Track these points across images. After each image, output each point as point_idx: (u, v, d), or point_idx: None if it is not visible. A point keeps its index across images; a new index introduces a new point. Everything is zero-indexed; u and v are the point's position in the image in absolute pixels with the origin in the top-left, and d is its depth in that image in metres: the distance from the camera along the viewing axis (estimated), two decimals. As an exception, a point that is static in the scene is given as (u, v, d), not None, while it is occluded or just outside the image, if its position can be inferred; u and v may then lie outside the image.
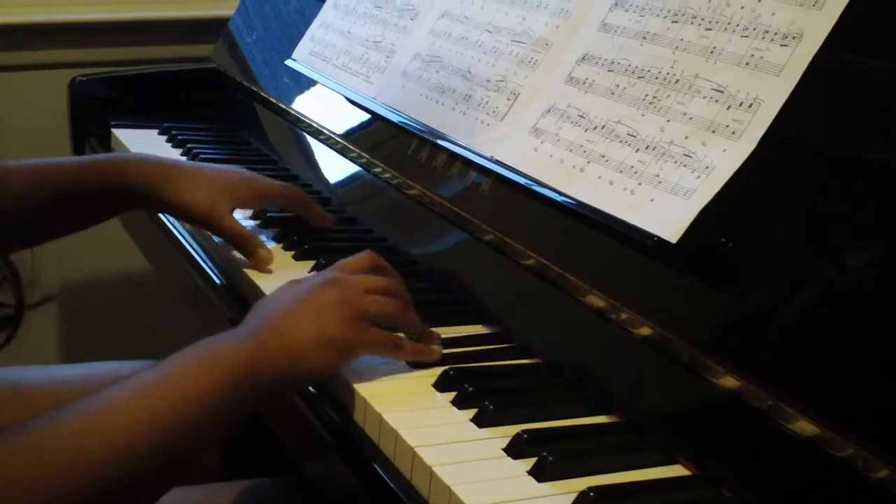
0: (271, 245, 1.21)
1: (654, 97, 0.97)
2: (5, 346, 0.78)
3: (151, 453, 0.76)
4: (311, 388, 0.93)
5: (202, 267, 1.24)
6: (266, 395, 0.86)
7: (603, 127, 1.00)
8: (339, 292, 0.90)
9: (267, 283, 1.11)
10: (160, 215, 1.35)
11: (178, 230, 1.32)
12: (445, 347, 0.97)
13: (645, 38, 1.01)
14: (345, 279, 0.93)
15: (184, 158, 1.55)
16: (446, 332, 1.01)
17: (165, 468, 0.79)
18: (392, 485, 0.80)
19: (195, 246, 1.28)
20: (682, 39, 0.98)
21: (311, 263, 1.17)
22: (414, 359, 0.94)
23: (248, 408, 0.85)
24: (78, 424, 0.75)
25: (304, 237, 1.23)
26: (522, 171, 1.06)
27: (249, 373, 0.82)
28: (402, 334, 0.96)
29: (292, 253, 1.21)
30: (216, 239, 1.23)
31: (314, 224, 1.26)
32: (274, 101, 1.60)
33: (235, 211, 1.21)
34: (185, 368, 0.81)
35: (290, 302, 0.89)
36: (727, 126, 0.90)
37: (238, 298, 1.16)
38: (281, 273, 1.14)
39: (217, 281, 1.21)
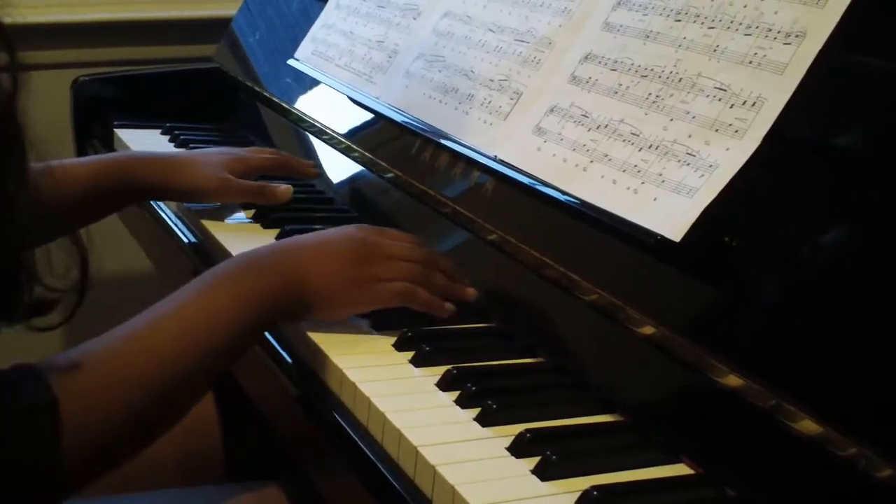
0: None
1: (657, 96, 0.97)
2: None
3: (185, 363, 0.86)
4: (316, 392, 0.94)
5: (196, 256, 1.25)
6: (275, 323, 0.97)
7: (606, 126, 1.00)
8: (359, 253, 0.98)
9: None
10: (156, 207, 1.39)
11: (173, 222, 1.34)
12: (446, 347, 0.97)
13: (648, 36, 1.01)
14: (370, 240, 1.00)
15: None
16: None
17: (198, 377, 0.88)
18: (396, 484, 0.80)
19: (189, 237, 1.29)
20: (685, 38, 0.98)
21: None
22: (426, 310, 1.00)
23: (264, 330, 0.96)
24: (124, 345, 0.84)
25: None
26: (525, 170, 1.06)
27: (269, 302, 0.93)
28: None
29: None
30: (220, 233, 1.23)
31: (304, 177, 1.36)
32: (277, 101, 1.60)
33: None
34: (212, 293, 0.91)
35: (316, 247, 0.98)
36: (730, 125, 0.90)
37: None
38: None
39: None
